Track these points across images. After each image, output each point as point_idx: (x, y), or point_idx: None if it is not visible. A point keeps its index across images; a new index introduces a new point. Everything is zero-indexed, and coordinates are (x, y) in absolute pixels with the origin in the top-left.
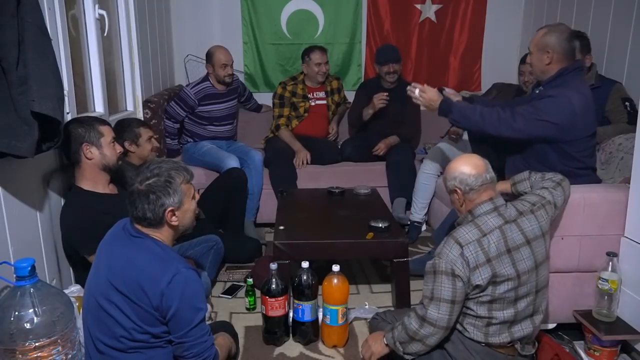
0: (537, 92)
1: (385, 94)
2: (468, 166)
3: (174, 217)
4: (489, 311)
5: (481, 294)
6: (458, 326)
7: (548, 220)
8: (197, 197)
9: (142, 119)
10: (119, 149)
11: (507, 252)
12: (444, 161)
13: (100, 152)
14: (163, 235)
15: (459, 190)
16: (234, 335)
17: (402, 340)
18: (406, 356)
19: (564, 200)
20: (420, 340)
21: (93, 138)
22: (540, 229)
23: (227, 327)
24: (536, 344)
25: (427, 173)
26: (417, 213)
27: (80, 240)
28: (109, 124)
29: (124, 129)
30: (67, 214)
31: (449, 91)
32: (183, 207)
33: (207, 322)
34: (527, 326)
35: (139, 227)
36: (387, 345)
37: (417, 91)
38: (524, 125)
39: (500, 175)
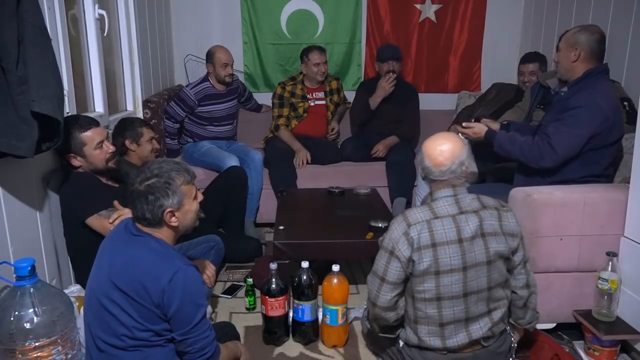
0: (562, 94)
1: (393, 75)
2: (434, 154)
3: (173, 218)
4: (438, 309)
5: (425, 288)
6: (415, 340)
7: (511, 225)
8: (200, 197)
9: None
10: (109, 148)
11: (457, 242)
12: None
13: (85, 160)
14: (163, 234)
15: (422, 172)
16: (237, 338)
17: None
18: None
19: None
20: (374, 318)
21: (75, 148)
22: (501, 227)
23: (229, 329)
24: (507, 334)
25: None
26: None
27: (82, 201)
28: (94, 125)
29: (127, 127)
30: (67, 185)
31: (484, 121)
32: (183, 208)
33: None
34: (485, 324)
35: (139, 226)
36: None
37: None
38: (566, 150)
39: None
